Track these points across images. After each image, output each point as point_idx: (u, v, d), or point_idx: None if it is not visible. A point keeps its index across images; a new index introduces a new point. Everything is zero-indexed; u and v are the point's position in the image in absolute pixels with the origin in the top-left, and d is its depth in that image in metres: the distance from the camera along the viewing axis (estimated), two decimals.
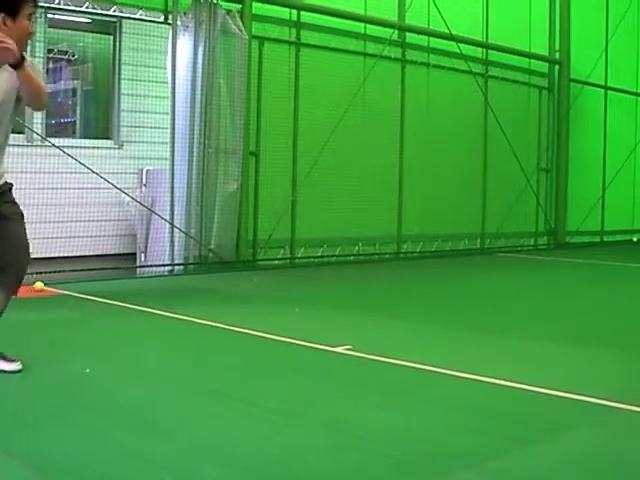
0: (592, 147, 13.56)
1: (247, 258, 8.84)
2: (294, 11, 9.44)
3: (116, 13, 8.86)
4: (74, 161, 7.63)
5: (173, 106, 8.26)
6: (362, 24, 10.06)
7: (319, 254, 9.71)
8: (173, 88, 8.27)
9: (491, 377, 4.00)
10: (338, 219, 9.77)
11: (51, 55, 9.52)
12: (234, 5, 8.63)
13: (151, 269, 8.64)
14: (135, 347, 4.76)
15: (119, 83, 9.68)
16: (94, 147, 9.34)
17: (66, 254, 8.16)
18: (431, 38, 10.83)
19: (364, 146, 10.05)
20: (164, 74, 8.55)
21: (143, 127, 9.19)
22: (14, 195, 4.34)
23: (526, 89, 12.47)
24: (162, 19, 8.43)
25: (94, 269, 7.99)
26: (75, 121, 9.89)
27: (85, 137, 9.75)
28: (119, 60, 9.70)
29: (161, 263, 8.51)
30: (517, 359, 4.57)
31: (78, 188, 8.49)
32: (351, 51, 9.97)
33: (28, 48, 5.09)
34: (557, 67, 12.89)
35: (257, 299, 6.84)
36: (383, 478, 2.70)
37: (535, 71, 12.64)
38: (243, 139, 8.63)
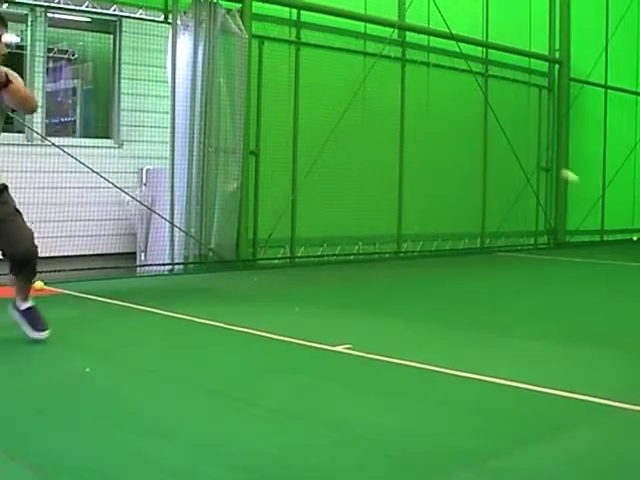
0: (592, 146, 13.56)
1: (247, 257, 8.84)
2: (294, 10, 9.43)
3: (116, 12, 8.86)
4: (74, 160, 7.63)
5: (173, 105, 8.25)
6: (362, 23, 10.05)
7: (319, 253, 9.71)
8: (173, 87, 8.27)
9: (491, 376, 4.00)
10: (338, 218, 9.77)
11: (51, 54, 9.52)
12: (234, 4, 8.63)
13: (151, 268, 8.64)
14: (135, 346, 4.76)
15: (119, 82, 9.68)
16: (94, 146, 9.34)
17: (66, 253, 8.16)
18: (431, 37, 10.83)
19: (364, 145, 10.05)
20: (164, 73, 8.54)
21: (143, 126, 9.20)
22: (11, 195, 4.36)
23: (526, 88, 12.47)
24: (162, 18, 8.42)
25: (94, 268, 7.99)
26: (75, 120, 9.90)
27: (85, 136, 9.75)
28: (119, 59, 9.70)
29: (161, 262, 8.51)
30: (517, 358, 4.57)
31: (78, 187, 8.49)
32: (351, 50, 9.97)
33: (28, 48, 5.14)
34: (557, 66, 12.88)
35: (257, 298, 6.84)
36: (383, 478, 2.69)
37: (535, 70, 12.64)
38: (243, 138, 8.63)
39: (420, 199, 10.73)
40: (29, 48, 8.84)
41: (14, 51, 4.78)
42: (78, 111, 9.86)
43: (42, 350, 4.47)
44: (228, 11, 8.56)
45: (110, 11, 8.81)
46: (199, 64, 8.37)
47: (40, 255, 4.65)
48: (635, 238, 14.52)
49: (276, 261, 9.27)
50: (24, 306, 4.68)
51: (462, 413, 3.43)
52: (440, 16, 10.35)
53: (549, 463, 2.83)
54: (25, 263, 4.56)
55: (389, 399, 3.66)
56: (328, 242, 9.79)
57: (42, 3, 8.53)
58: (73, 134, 9.80)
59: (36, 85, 8.69)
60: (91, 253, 8.74)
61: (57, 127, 9.22)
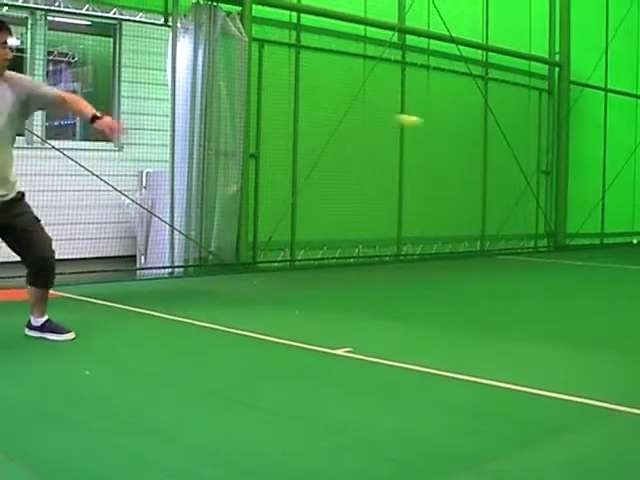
0: (592, 149, 13.56)
1: (247, 260, 8.84)
2: (294, 14, 9.44)
3: (116, 15, 8.87)
4: (74, 163, 7.63)
5: (173, 108, 8.26)
6: (362, 26, 10.05)
7: (319, 256, 9.70)
8: (173, 90, 8.28)
9: (491, 379, 4.00)
10: (338, 221, 9.77)
11: (51, 57, 9.54)
12: (234, 7, 8.64)
13: (151, 271, 8.64)
14: (135, 349, 4.76)
15: (119, 85, 9.69)
16: (94, 149, 9.35)
17: (66, 256, 8.14)
18: (431, 40, 10.83)
19: (364, 148, 10.05)
20: (164, 76, 8.55)
21: (143, 129, 9.20)
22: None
23: (526, 91, 12.47)
24: (162, 21, 8.43)
25: (94, 271, 7.99)
26: (75, 123, 9.90)
27: (85, 139, 9.76)
28: (119, 62, 9.71)
29: (161, 265, 8.50)
30: (517, 361, 4.57)
31: (78, 190, 8.49)
32: (351, 53, 9.97)
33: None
34: (557, 69, 12.88)
35: (257, 301, 6.84)
36: (383, 478, 2.70)
37: (535, 73, 12.64)
38: (243, 141, 8.63)
39: (420, 202, 10.73)
40: (29, 51, 8.85)
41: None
42: None
43: (42, 353, 4.47)
44: (228, 14, 8.56)
45: (110, 14, 8.83)
46: (199, 67, 8.37)
47: None
48: (635, 241, 14.52)
49: (276, 264, 9.26)
50: (41, 321, 4.80)
51: (462, 416, 3.43)
52: (440, 19, 10.36)
53: (548, 466, 2.83)
54: (41, 269, 4.69)
55: (389, 402, 3.66)
56: (328, 245, 9.79)
57: (42, 6, 8.54)
58: (73, 137, 9.80)
59: None
60: (91, 256, 8.74)
61: (57, 130, 9.23)
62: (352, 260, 10.07)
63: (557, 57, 12.84)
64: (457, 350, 4.87)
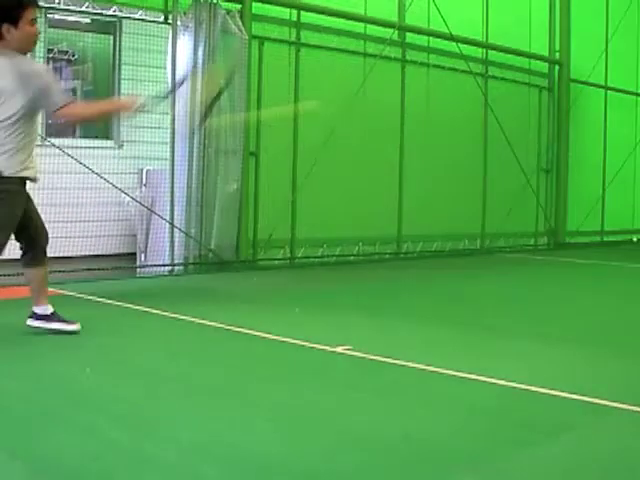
0: (592, 147, 13.56)
1: (247, 258, 8.84)
2: (294, 11, 9.43)
3: (116, 13, 8.86)
4: (74, 161, 7.63)
5: (173, 106, 8.25)
6: (362, 24, 10.05)
7: (319, 254, 9.70)
8: (173, 88, 8.26)
9: (491, 377, 4.00)
10: (338, 219, 9.77)
11: (51, 55, 9.53)
12: (234, 5, 8.63)
13: (151, 269, 8.64)
14: (135, 347, 4.76)
15: (119, 83, 9.68)
16: (94, 147, 9.34)
17: (66, 254, 8.16)
18: (431, 38, 10.83)
19: (364, 146, 10.04)
20: (164, 74, 8.54)
21: (143, 127, 9.19)
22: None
23: (526, 89, 12.47)
24: (162, 19, 8.42)
25: (94, 269, 7.99)
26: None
27: (85, 137, 9.75)
28: (119, 60, 9.70)
29: (161, 263, 8.50)
30: (517, 360, 4.57)
31: (78, 188, 8.49)
32: (351, 51, 9.97)
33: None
34: (557, 67, 12.87)
35: (257, 299, 6.84)
36: (383, 479, 2.69)
37: (535, 71, 12.64)
38: (243, 139, 8.63)
39: (420, 200, 10.72)
40: None
41: None
42: None
43: (42, 350, 4.47)
44: (228, 12, 8.56)
45: (110, 12, 8.81)
46: (199, 65, 8.36)
47: None
48: (635, 239, 14.52)
49: (276, 262, 9.27)
50: (50, 310, 4.80)
51: (462, 414, 3.43)
52: (440, 17, 10.35)
53: (549, 464, 2.83)
54: (47, 239, 4.83)
55: (389, 400, 3.66)
56: (328, 243, 9.79)
57: (42, 4, 8.52)
58: (73, 135, 9.80)
59: None
60: (91, 254, 8.73)
61: (57, 128, 9.22)
62: (352, 258, 10.07)
63: (557, 55, 12.84)
64: (457, 348, 4.88)
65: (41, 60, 8.80)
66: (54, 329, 4.77)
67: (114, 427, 3.14)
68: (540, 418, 3.40)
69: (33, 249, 4.74)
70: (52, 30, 9.32)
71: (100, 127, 9.90)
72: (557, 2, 12.75)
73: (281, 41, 9.32)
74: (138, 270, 8.92)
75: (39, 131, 8.51)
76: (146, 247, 9.21)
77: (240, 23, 8.56)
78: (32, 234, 4.71)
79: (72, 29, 9.83)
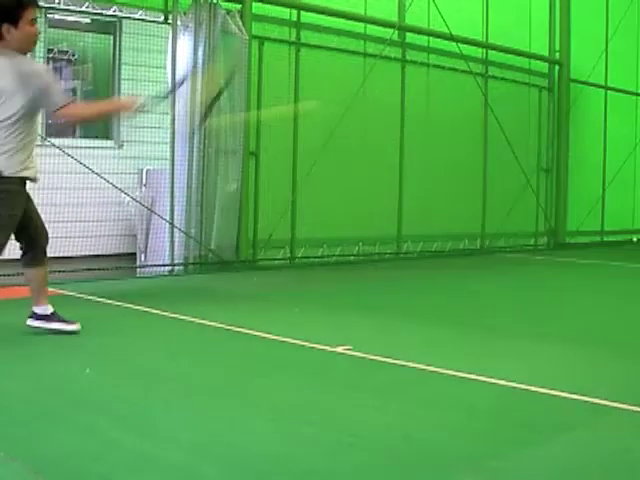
0: (592, 147, 13.56)
1: (247, 258, 8.84)
2: (294, 11, 9.43)
3: (116, 13, 8.86)
4: (74, 161, 7.63)
5: (173, 106, 8.25)
6: (362, 24, 10.05)
7: (319, 254, 9.70)
8: (173, 88, 8.26)
9: (491, 377, 4.00)
10: (338, 219, 9.77)
11: (51, 55, 9.53)
12: (234, 5, 8.63)
13: (151, 269, 8.64)
14: (135, 347, 4.76)
15: (119, 83, 9.68)
16: (94, 147, 9.34)
17: (66, 254, 8.16)
18: (431, 38, 10.83)
19: (364, 146, 10.05)
20: (164, 74, 8.54)
21: (143, 127, 9.19)
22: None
23: (526, 89, 12.47)
24: (162, 19, 8.42)
25: (94, 269, 7.99)
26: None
27: (85, 137, 9.75)
28: (119, 60, 9.70)
29: (161, 263, 8.50)
30: (518, 359, 4.57)
31: (78, 188, 8.49)
32: (351, 51, 9.97)
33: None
34: (557, 67, 12.88)
35: (257, 299, 6.84)
36: (383, 478, 2.69)
37: (535, 71, 12.64)
38: (243, 139, 8.63)
39: (420, 199, 10.73)
40: None
41: None
42: None
43: (42, 351, 4.47)
44: (228, 12, 8.55)
45: (110, 12, 8.82)
46: (199, 65, 8.36)
47: None
48: (635, 239, 14.52)
49: (276, 262, 9.27)
50: (50, 310, 4.80)
51: (462, 414, 3.43)
52: (440, 17, 10.35)
53: (548, 464, 2.83)
54: (47, 239, 4.83)
55: (389, 400, 3.66)
56: (328, 243, 9.79)
57: (42, 4, 8.52)
58: (73, 135, 9.80)
59: None
60: (91, 254, 8.73)
61: (57, 128, 9.22)
62: (352, 258, 10.08)
63: (557, 55, 12.84)
64: (457, 348, 4.88)
65: (41, 60, 8.80)
66: (54, 329, 4.77)
67: (114, 427, 3.14)
68: (540, 418, 3.40)
69: (33, 249, 4.74)
70: (52, 30, 9.33)
71: (100, 127, 9.90)
72: (557, 2, 12.75)
73: (281, 41, 9.32)
74: (138, 270, 8.92)
75: (39, 131, 8.51)
76: (146, 247, 9.21)
77: (240, 23, 8.56)
78: (32, 234, 4.71)
79: (72, 29, 9.83)
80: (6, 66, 4.36)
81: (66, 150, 7.68)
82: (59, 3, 8.28)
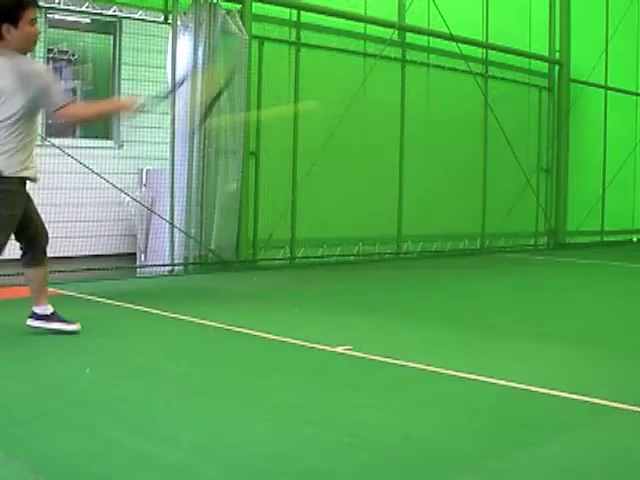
0: (592, 147, 13.56)
1: (247, 258, 8.84)
2: (294, 11, 9.43)
3: (116, 13, 8.86)
4: (74, 161, 7.63)
5: (173, 106, 8.25)
6: (362, 24, 10.05)
7: (319, 254, 9.71)
8: (173, 88, 8.26)
9: (491, 377, 4.00)
10: (338, 219, 9.77)
11: (51, 55, 9.53)
12: (234, 5, 8.63)
13: (151, 269, 8.64)
14: (135, 347, 4.76)
15: (119, 83, 9.67)
16: (94, 147, 9.34)
17: (66, 254, 8.16)
18: (431, 38, 10.83)
19: (364, 146, 10.05)
20: (164, 74, 8.54)
21: (143, 127, 9.20)
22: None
23: (526, 89, 12.47)
24: (162, 19, 8.42)
25: (94, 269, 7.99)
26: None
27: (85, 137, 9.75)
28: (119, 60, 9.70)
29: (161, 263, 8.50)
30: (517, 359, 4.57)
31: (78, 188, 8.49)
32: (351, 51, 9.97)
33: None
34: (557, 67, 12.88)
35: (257, 299, 6.84)
36: (383, 478, 2.69)
37: (535, 71, 12.64)
38: (243, 139, 8.63)
39: (420, 199, 10.73)
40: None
41: None
42: None
43: (42, 350, 4.47)
44: (228, 12, 8.55)
45: (110, 12, 8.82)
46: (199, 65, 8.36)
47: None
48: (635, 239, 14.52)
49: (276, 262, 9.27)
50: (50, 309, 4.80)
51: (462, 414, 3.43)
52: (440, 17, 10.35)
53: (549, 464, 2.83)
54: (47, 239, 4.83)
55: (389, 400, 3.66)
56: (328, 243, 9.79)
57: (42, 4, 8.52)
58: (73, 135, 9.80)
59: None
60: (91, 254, 8.73)
61: (57, 128, 9.22)
62: (352, 258, 10.08)
63: (557, 55, 12.84)
64: (457, 348, 4.88)
65: (41, 60, 8.81)
66: (54, 329, 4.77)
67: (114, 427, 3.14)
68: (540, 418, 3.40)
69: (33, 249, 4.74)
70: (52, 30, 9.33)
71: (100, 127, 9.90)
72: (557, 2, 12.75)
73: (281, 41, 9.32)
74: (138, 270, 8.92)
75: (39, 131, 8.51)
76: (146, 247, 9.21)
77: (240, 23, 8.56)
78: (32, 234, 4.71)
79: (72, 29, 9.83)
80: (6, 66, 4.36)
81: (66, 150, 7.68)
82: (59, 3, 8.28)
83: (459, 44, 10.82)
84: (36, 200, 4.77)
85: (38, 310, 4.79)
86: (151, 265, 8.74)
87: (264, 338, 4.95)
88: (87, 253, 8.67)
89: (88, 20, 9.71)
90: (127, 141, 9.66)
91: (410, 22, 10.52)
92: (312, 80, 9.44)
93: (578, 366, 4.46)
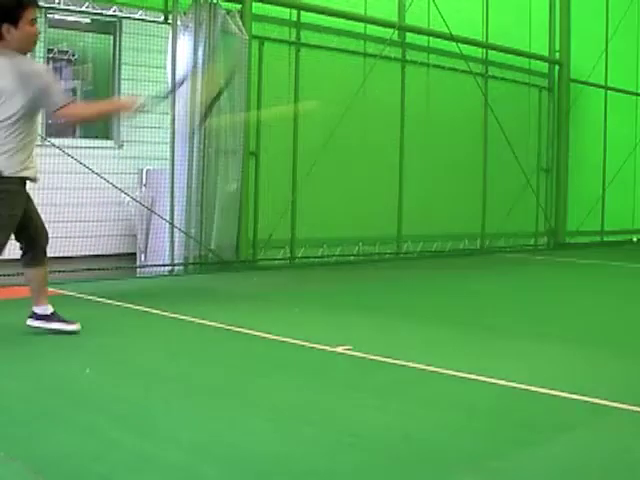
0: (592, 147, 13.56)
1: (247, 258, 8.84)
2: (294, 11, 9.43)
3: (116, 13, 8.86)
4: (74, 161, 7.63)
5: (173, 106, 8.25)
6: (362, 24, 10.05)
7: (319, 254, 9.70)
8: (173, 88, 8.26)
9: (491, 377, 4.00)
10: (338, 219, 9.77)
11: (51, 55, 9.53)
12: (234, 5, 8.63)
13: (151, 269, 8.64)
14: (135, 347, 4.76)
15: (119, 83, 9.67)
16: (94, 147, 9.34)
17: (66, 254, 8.16)
18: (431, 38, 10.83)
19: (364, 146, 10.05)
20: (164, 74, 8.54)
21: (143, 127, 9.20)
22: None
23: (526, 89, 12.47)
24: (162, 19, 8.42)
25: (94, 269, 7.99)
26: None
27: (85, 137, 9.75)
28: (119, 60, 9.70)
29: (161, 263, 8.50)
30: (517, 359, 4.57)
31: (78, 188, 8.49)
32: (351, 51, 9.97)
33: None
34: (557, 67, 12.88)
35: (257, 299, 6.84)
36: (383, 478, 2.69)
37: (535, 71, 12.64)
38: (243, 139, 8.63)
39: (420, 199, 10.73)
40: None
41: None
42: None
43: (42, 350, 4.47)
44: (228, 12, 8.55)
45: (110, 12, 8.82)
46: (199, 65, 8.36)
47: None
48: (635, 239, 14.52)
49: (276, 262, 9.27)
50: (50, 309, 4.81)
51: (462, 414, 3.43)
52: (440, 17, 10.35)
53: (548, 464, 2.83)
54: (47, 239, 4.83)
55: (389, 400, 3.66)
56: (328, 243, 9.79)
57: (42, 4, 8.53)
58: (73, 135, 9.80)
59: None
60: (91, 254, 8.73)
61: (57, 128, 9.23)
62: (352, 258, 10.08)
63: (557, 55, 12.84)
64: (457, 348, 4.88)
65: (41, 60, 8.81)
66: (54, 329, 4.77)
67: (114, 427, 3.14)
68: (540, 418, 3.40)
69: (33, 249, 4.75)
70: (52, 30, 9.33)
71: (100, 127, 9.90)
72: (557, 2, 12.75)
73: (281, 41, 9.32)
74: (138, 270, 8.92)
75: (39, 131, 8.51)
76: (146, 247, 9.21)
77: (240, 23, 8.56)
78: (32, 234, 4.71)
79: (72, 29, 9.83)
80: (6, 66, 4.36)
81: (66, 150, 7.68)
82: (59, 3, 8.28)
83: (459, 44, 10.82)
84: (36, 200, 4.77)
85: (38, 310, 4.78)
86: (151, 265, 8.74)
87: (264, 338, 4.95)
88: (87, 253, 8.67)
89: (88, 20, 9.71)
90: (127, 141, 9.66)
91: (410, 22, 10.53)
92: (312, 80, 9.44)
93: (578, 366, 4.46)
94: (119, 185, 8.30)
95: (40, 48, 8.81)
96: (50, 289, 5.06)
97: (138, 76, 9.52)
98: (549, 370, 4.29)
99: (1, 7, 4.40)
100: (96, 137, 9.85)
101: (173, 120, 8.27)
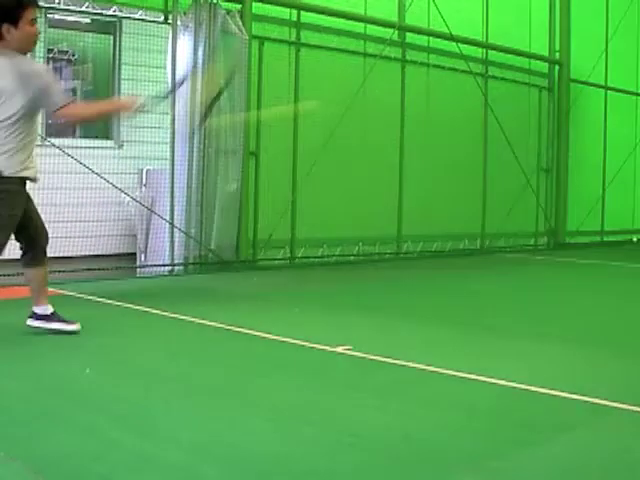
0: (592, 147, 13.56)
1: (247, 258, 8.84)
2: (294, 11, 9.43)
3: (116, 13, 8.86)
4: (74, 161, 7.63)
5: (173, 106, 8.25)
6: (362, 24, 10.05)
7: (319, 254, 9.70)
8: (173, 88, 8.26)
9: (491, 377, 4.00)
10: (338, 219, 9.77)
11: (51, 55, 9.53)
12: (234, 5, 8.63)
13: (151, 269, 8.64)
14: (135, 346, 4.76)
15: (119, 83, 9.67)
16: (94, 147, 9.34)
17: (66, 254, 8.16)
18: (431, 38, 10.83)
19: (364, 146, 10.05)
20: (164, 74, 8.54)
21: (143, 127, 9.20)
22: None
23: (526, 89, 12.47)
24: (162, 19, 8.42)
25: (94, 269, 7.99)
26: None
27: (85, 137, 9.75)
28: (119, 60, 9.70)
29: (161, 263, 8.50)
30: (517, 359, 4.57)
31: (78, 188, 8.49)
32: (351, 51, 9.97)
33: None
34: (557, 67, 12.88)
35: (257, 299, 6.84)
36: (383, 478, 2.69)
37: (535, 71, 12.64)
38: (243, 139, 8.63)
39: (420, 199, 10.73)
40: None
41: None
42: None
43: (42, 350, 4.47)
44: (228, 12, 8.55)
45: (110, 12, 8.82)
46: (199, 65, 8.36)
47: None
48: (635, 239, 14.52)
49: (276, 262, 9.27)
50: (50, 309, 4.81)
51: (462, 414, 3.43)
52: (440, 17, 10.35)
53: (548, 464, 2.83)
54: (47, 239, 4.83)
55: (389, 400, 3.66)
56: (328, 243, 9.79)
57: (42, 4, 8.53)
58: (73, 135, 9.80)
59: None
60: (91, 254, 8.73)
61: (57, 128, 9.23)
62: (352, 258, 10.08)
63: (557, 55, 12.84)
64: (457, 348, 4.88)
65: (41, 60, 8.81)
66: (54, 329, 4.77)
67: (114, 427, 3.14)
68: (540, 418, 3.40)
69: (33, 249, 4.75)
70: (52, 30, 9.33)
71: (100, 127, 9.90)
72: (557, 2, 12.75)
73: (281, 41, 9.32)
74: (138, 270, 8.92)
75: (39, 131, 8.51)
76: (146, 247, 9.21)
77: (240, 23, 8.56)
78: (32, 234, 4.71)
79: (72, 29, 9.83)
80: (6, 66, 4.36)
81: (66, 150, 7.68)
82: (59, 3, 8.28)
83: (459, 44, 10.82)
84: (36, 200, 4.77)
85: (38, 310, 4.79)
86: (151, 265, 8.74)
87: (264, 338, 4.95)
88: (87, 253, 8.67)
89: (88, 20, 9.71)
90: (127, 141, 9.65)
91: (410, 22, 10.53)
92: (312, 80, 9.44)
93: (578, 366, 4.46)
94: (119, 185, 8.30)
95: (40, 48, 8.80)
96: (50, 289, 5.06)
97: (138, 76, 9.52)
98: (549, 370, 4.29)
99: (1, 7, 4.41)
100: (96, 137, 9.85)
101: (173, 120, 8.27)
